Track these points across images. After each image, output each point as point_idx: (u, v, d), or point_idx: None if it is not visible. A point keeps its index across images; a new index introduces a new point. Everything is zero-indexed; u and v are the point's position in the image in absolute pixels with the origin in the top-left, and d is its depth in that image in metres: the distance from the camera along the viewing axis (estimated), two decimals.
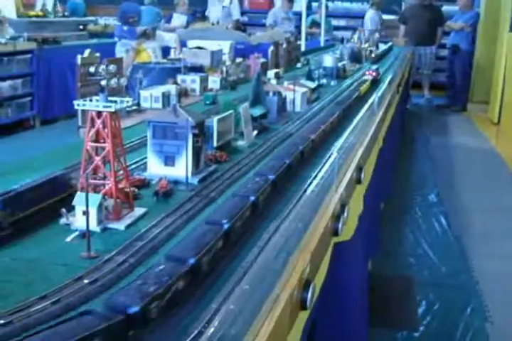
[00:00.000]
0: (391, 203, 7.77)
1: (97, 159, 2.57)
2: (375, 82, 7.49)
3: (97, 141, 2.59)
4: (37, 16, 13.78)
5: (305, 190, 2.94)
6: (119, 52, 12.15)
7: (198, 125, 3.18)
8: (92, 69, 2.53)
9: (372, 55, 10.67)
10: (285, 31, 14.60)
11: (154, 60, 10.17)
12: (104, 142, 2.57)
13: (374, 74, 7.66)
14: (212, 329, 1.66)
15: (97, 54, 4.64)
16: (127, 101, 2.60)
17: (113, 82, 2.55)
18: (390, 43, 14.46)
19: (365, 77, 7.48)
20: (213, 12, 16.73)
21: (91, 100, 2.58)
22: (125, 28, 12.68)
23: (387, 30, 19.12)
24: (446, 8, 17.96)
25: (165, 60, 8.15)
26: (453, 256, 6.75)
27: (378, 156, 5.45)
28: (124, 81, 2.68)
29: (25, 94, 12.11)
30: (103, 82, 2.53)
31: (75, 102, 2.59)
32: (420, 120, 15.09)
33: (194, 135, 3.15)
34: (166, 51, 11.46)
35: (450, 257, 6.72)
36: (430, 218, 7.91)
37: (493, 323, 5.32)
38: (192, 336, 1.69)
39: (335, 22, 19.50)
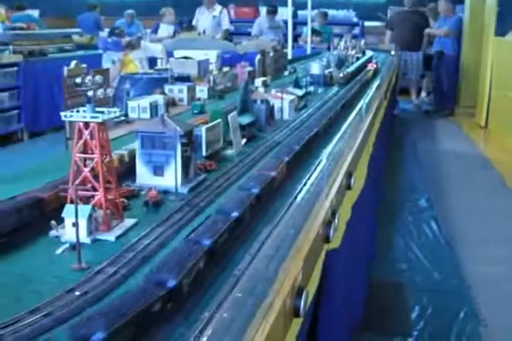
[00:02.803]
0: (381, 209, 7.77)
1: (86, 170, 2.56)
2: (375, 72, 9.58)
3: (85, 152, 2.58)
4: (22, 29, 13.74)
5: (295, 197, 2.93)
6: (106, 63, 12.15)
7: (186, 134, 3.17)
8: (78, 80, 2.52)
9: (340, 75, 7.98)
10: (272, 40, 14.63)
11: (141, 70, 10.17)
12: (93, 153, 2.56)
13: (375, 66, 9.76)
14: (205, 339, 1.65)
15: (84, 65, 4.61)
16: (115, 112, 2.59)
17: (100, 92, 2.54)
18: (370, 54, 12.71)
19: (368, 68, 9.50)
20: (202, 21, 16.74)
21: (78, 111, 2.57)
22: (109, 39, 12.69)
23: (373, 36, 19.24)
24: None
25: (152, 71, 8.14)
26: (445, 261, 6.74)
27: (369, 162, 5.45)
28: (110, 91, 2.67)
29: (13, 107, 12.07)
30: (90, 93, 2.52)
31: (62, 113, 2.57)
32: (408, 125, 15.12)
33: (183, 144, 3.14)
34: (152, 62, 11.46)
35: (442, 262, 6.71)
36: (421, 223, 7.91)
37: (487, 327, 5.32)
38: None
39: None
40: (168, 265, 2.02)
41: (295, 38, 15.36)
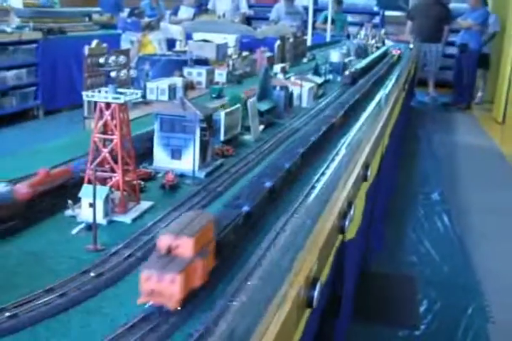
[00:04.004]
0: (394, 201, 7.74)
1: (105, 151, 2.54)
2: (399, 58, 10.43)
3: (104, 132, 2.57)
4: (43, 6, 13.71)
5: (313, 187, 2.91)
6: (124, 43, 12.12)
7: (205, 118, 3.15)
8: (101, 60, 2.50)
9: (346, 72, 6.86)
10: (291, 26, 14.56)
11: (159, 51, 10.14)
12: (112, 134, 2.55)
13: (399, 52, 10.69)
14: (219, 332, 1.63)
15: (105, 45, 4.60)
16: (136, 93, 2.57)
17: (123, 73, 2.52)
18: (384, 47, 11.79)
19: (393, 54, 10.46)
20: (220, 5, 16.68)
21: (99, 91, 2.55)
22: (129, 20, 12.65)
23: (393, 26, 19.11)
24: (454, 5, 17.86)
25: (170, 52, 8.11)
26: (455, 255, 6.72)
27: (383, 153, 5.42)
28: (134, 72, 2.65)
29: (30, 84, 12.06)
30: (113, 74, 2.50)
31: (84, 93, 2.56)
32: (424, 118, 15.04)
33: (202, 129, 3.13)
34: (171, 43, 11.43)
35: (452, 256, 6.69)
36: (433, 216, 7.88)
37: (495, 323, 5.30)
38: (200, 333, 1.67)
39: None
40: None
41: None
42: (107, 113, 2.52)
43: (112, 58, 2.48)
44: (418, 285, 5.96)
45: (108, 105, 2.53)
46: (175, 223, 1.87)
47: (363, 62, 7.95)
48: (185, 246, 1.75)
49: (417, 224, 7.61)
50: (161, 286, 1.70)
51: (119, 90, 2.57)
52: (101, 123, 2.54)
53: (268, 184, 2.73)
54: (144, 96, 5.12)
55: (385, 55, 10.33)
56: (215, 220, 1.98)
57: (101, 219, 2.46)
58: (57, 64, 12.51)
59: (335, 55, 7.78)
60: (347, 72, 6.80)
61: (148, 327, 1.71)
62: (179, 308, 1.76)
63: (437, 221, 7.74)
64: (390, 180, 7.39)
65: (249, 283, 1.94)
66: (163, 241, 1.76)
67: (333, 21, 15.82)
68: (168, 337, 1.73)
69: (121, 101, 2.49)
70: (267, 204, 2.67)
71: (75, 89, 11.75)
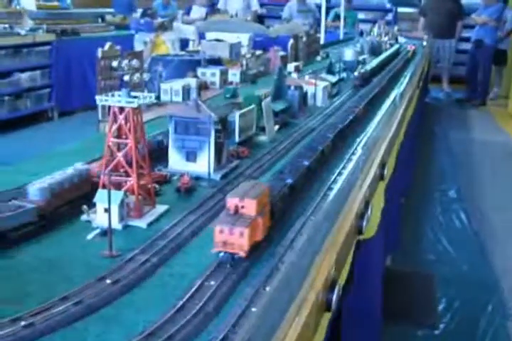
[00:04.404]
0: (411, 199, 7.70)
1: (119, 155, 2.52)
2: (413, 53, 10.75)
3: (119, 136, 2.55)
4: (55, 8, 13.74)
5: (329, 188, 2.89)
6: (138, 44, 12.14)
7: (220, 120, 3.13)
8: (114, 63, 2.48)
9: (355, 73, 6.54)
10: (303, 24, 14.52)
11: (173, 52, 10.13)
12: (127, 138, 2.53)
13: (413, 47, 11.13)
14: (238, 335, 1.62)
15: (118, 47, 4.58)
16: (150, 97, 2.55)
17: (136, 77, 2.50)
18: (396, 45, 11.28)
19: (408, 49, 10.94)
20: (232, 4, 16.67)
21: (113, 95, 2.53)
22: (142, 20, 12.66)
23: (406, 22, 19.02)
24: (466, 1, 17.74)
25: (183, 52, 8.10)
26: (473, 253, 6.67)
27: (399, 151, 5.38)
28: (146, 76, 2.63)
29: (44, 86, 12.09)
30: (126, 77, 2.48)
31: (97, 97, 2.54)
32: (439, 114, 14.96)
33: (216, 130, 3.10)
34: (184, 43, 11.43)
35: (470, 254, 6.65)
36: (450, 214, 7.83)
37: None
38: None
39: None
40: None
41: None
42: (121, 117, 2.50)
43: (125, 62, 2.45)
44: (436, 283, 5.93)
45: (122, 109, 2.51)
46: (238, 188, 2.27)
47: (375, 61, 7.61)
48: (249, 207, 2.16)
49: (435, 221, 7.57)
50: (232, 238, 2.09)
51: (133, 94, 2.55)
52: (115, 127, 2.52)
53: (306, 162, 3.07)
54: (157, 97, 5.11)
55: (397, 52, 10.15)
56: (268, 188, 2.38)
57: (116, 224, 2.44)
58: (70, 65, 12.54)
59: (349, 53, 7.74)
60: (356, 73, 6.48)
61: (225, 271, 2.10)
62: (246, 256, 2.13)
63: (455, 218, 7.69)
64: (406, 178, 7.34)
65: (267, 286, 1.93)
66: (231, 202, 2.17)
67: (343, 19, 15.76)
68: (242, 279, 2.09)
69: (135, 105, 2.47)
70: (305, 180, 3.00)
71: (88, 90, 11.75)
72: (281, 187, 2.64)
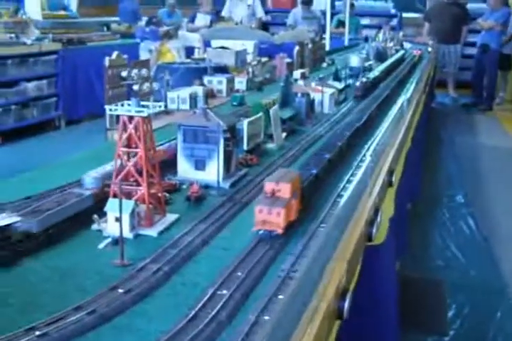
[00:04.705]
0: (418, 204, 7.69)
1: (129, 165, 2.53)
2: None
3: (128, 145, 2.56)
4: (61, 17, 13.78)
5: (339, 195, 2.89)
6: (143, 52, 12.17)
7: (229, 129, 3.14)
8: (124, 73, 2.49)
9: (357, 84, 6.12)
10: (308, 30, 14.54)
11: (178, 59, 10.16)
12: (136, 147, 2.54)
13: (419, 52, 11.33)
14: None
15: (125, 56, 4.60)
16: (159, 106, 2.56)
17: (145, 86, 2.51)
18: (401, 51, 10.93)
19: (414, 53, 11.13)
20: (236, 11, 16.69)
21: (122, 104, 2.54)
22: (147, 29, 12.70)
23: (411, 28, 19.03)
24: (471, 5, 17.74)
25: (189, 60, 8.11)
26: (482, 259, 6.65)
27: (406, 157, 5.38)
28: (156, 85, 2.65)
29: (51, 95, 12.11)
30: (135, 87, 2.49)
31: (107, 107, 2.55)
32: (445, 119, 14.94)
33: (225, 139, 3.11)
34: (189, 51, 11.45)
35: (479, 259, 6.63)
36: (458, 219, 7.82)
37: None
38: None
39: None
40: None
41: None
42: (131, 126, 2.51)
43: (135, 71, 2.46)
44: (446, 289, 5.91)
45: (131, 118, 2.52)
46: (274, 175, 2.59)
47: (380, 68, 7.45)
48: (285, 190, 2.46)
49: (443, 227, 7.55)
50: (270, 218, 2.40)
51: (143, 103, 2.56)
52: (125, 136, 2.53)
53: (327, 156, 3.39)
54: (165, 105, 5.12)
55: (402, 58, 10.04)
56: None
57: (127, 233, 2.44)
58: (77, 74, 12.55)
59: (354, 60, 7.74)
60: (358, 83, 6.12)
61: (266, 246, 2.37)
62: (283, 233, 2.42)
63: (463, 224, 7.67)
64: (414, 184, 7.33)
65: (278, 296, 1.93)
66: (269, 186, 2.48)
67: (345, 24, 15.77)
68: (278, 253, 2.35)
69: (145, 114, 2.48)
70: (327, 171, 3.30)
71: (95, 98, 11.78)
72: (308, 175, 2.96)
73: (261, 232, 2.42)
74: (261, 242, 2.43)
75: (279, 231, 2.40)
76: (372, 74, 6.79)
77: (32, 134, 11.39)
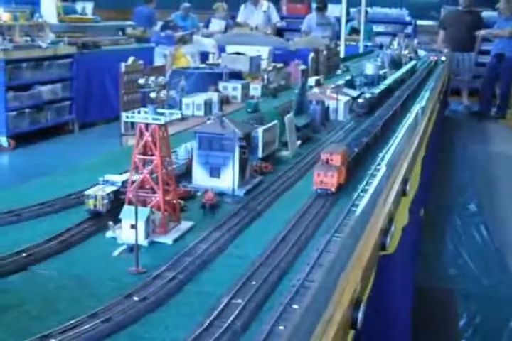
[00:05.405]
0: (430, 212, 7.66)
1: (145, 172, 2.54)
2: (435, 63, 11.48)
3: (144, 153, 2.56)
4: (77, 21, 13.85)
5: (353, 204, 2.89)
6: (158, 57, 12.21)
7: (244, 136, 3.14)
8: (141, 81, 2.50)
9: (360, 100, 5.52)
10: (322, 37, 14.55)
11: (193, 64, 10.18)
12: (152, 154, 2.54)
13: (436, 58, 11.96)
14: None
15: (141, 61, 4.61)
16: (177, 114, 2.57)
17: (162, 94, 2.51)
18: (412, 62, 10.36)
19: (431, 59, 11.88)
20: (253, 17, 16.72)
21: (139, 112, 2.55)
22: (162, 34, 12.73)
23: (426, 35, 19.01)
24: (486, 14, 17.70)
25: (203, 65, 8.13)
26: (494, 268, 6.62)
27: (421, 166, 5.36)
28: (173, 93, 2.65)
29: (65, 99, 12.16)
30: (153, 94, 2.50)
31: (123, 114, 2.56)
32: (458, 127, 14.90)
33: (240, 146, 3.11)
34: (204, 56, 11.48)
35: (491, 268, 6.60)
36: (470, 228, 7.79)
37: None
38: None
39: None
40: None
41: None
42: (147, 134, 2.52)
43: (152, 79, 2.47)
44: (457, 298, 5.89)
45: (147, 125, 2.53)
46: (328, 148, 3.28)
47: (388, 81, 7.00)
48: (336, 159, 3.15)
49: (455, 235, 7.52)
50: (325, 179, 3.10)
51: (159, 110, 2.56)
52: (141, 144, 2.53)
53: (365, 139, 4.04)
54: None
55: (413, 70, 9.40)
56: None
57: (142, 241, 2.45)
58: (91, 78, 12.60)
59: (369, 67, 7.72)
60: (361, 100, 5.53)
61: (323, 200, 3.05)
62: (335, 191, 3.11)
63: (475, 232, 7.65)
64: (426, 192, 7.31)
65: (293, 306, 1.93)
66: (324, 156, 3.15)
67: (359, 32, 15.76)
68: (332, 206, 3.04)
69: (162, 122, 2.49)
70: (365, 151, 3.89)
71: (109, 102, 11.84)
72: (352, 152, 3.60)
73: (319, 191, 3.09)
74: (318, 198, 3.06)
75: (333, 189, 3.09)
76: (378, 89, 6.18)
77: (45, 138, 11.46)
